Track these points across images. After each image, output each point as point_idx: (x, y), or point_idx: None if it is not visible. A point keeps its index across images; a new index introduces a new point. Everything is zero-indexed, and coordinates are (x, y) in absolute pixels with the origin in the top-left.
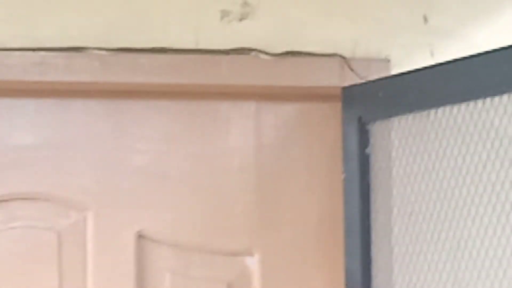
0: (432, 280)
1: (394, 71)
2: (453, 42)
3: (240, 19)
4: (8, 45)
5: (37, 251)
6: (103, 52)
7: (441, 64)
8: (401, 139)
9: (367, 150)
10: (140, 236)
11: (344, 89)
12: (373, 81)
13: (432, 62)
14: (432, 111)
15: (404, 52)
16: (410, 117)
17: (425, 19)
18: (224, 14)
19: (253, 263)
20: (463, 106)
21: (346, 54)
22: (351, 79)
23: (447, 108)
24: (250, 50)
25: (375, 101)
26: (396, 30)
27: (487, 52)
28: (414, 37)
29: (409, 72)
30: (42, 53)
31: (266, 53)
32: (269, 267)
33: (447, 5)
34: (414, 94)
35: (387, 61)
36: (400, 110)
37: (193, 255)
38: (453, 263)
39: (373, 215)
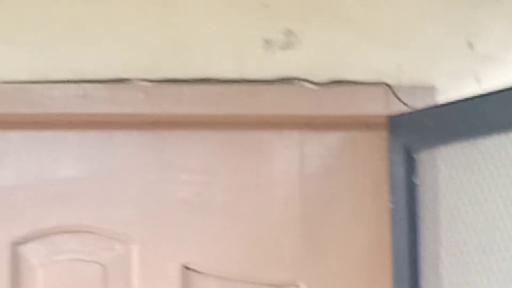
0: None
1: (440, 98)
2: (499, 68)
3: (284, 48)
4: (51, 77)
5: (82, 285)
6: (146, 83)
7: (489, 93)
8: (449, 168)
9: (415, 180)
10: (186, 268)
11: (390, 117)
12: (420, 110)
13: (478, 89)
14: (480, 140)
15: (449, 79)
16: (458, 146)
17: (470, 45)
18: (267, 43)
19: None
20: (510, 134)
21: (391, 81)
22: (396, 107)
23: (495, 137)
24: (293, 79)
25: (422, 129)
26: (441, 57)
27: None
28: (459, 63)
29: (457, 101)
30: (85, 85)
31: (310, 82)
32: None
33: (492, 31)
34: (462, 122)
35: (432, 88)
36: (448, 139)
37: (239, 287)
38: None
39: (421, 246)
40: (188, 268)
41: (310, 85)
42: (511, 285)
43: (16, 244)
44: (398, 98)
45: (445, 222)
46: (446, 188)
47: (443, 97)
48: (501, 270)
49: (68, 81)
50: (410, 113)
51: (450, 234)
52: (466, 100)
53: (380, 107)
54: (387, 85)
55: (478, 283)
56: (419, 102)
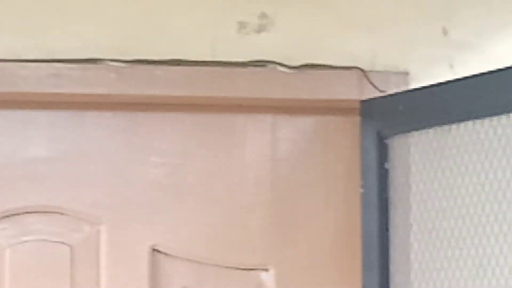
0: None
1: (413, 84)
2: (473, 55)
3: (258, 31)
4: (23, 57)
5: (50, 265)
6: (119, 64)
7: (462, 78)
8: (420, 153)
9: (386, 165)
10: (154, 251)
11: (363, 102)
12: (393, 95)
13: (451, 75)
14: (453, 126)
15: (423, 65)
16: (430, 131)
17: (445, 32)
18: (242, 26)
19: (268, 278)
20: (484, 121)
21: (365, 67)
22: (369, 92)
23: (468, 123)
24: (267, 62)
25: (394, 115)
26: (415, 43)
27: (508, 67)
28: (433, 50)
29: (430, 86)
30: (57, 64)
31: (284, 66)
32: (284, 282)
33: (466, 18)
34: (435, 108)
35: (406, 74)
36: (420, 125)
37: (207, 270)
38: (475, 281)
39: (391, 231)
40: (157, 251)
41: (283, 69)
42: (480, 271)
43: None
44: (372, 83)
45: (416, 208)
46: (418, 174)
47: (416, 83)
48: (470, 256)
49: (40, 61)
50: (383, 98)
51: (421, 219)
52: (439, 85)
53: (353, 92)
54: (361, 70)
55: (447, 269)
56: (393, 88)
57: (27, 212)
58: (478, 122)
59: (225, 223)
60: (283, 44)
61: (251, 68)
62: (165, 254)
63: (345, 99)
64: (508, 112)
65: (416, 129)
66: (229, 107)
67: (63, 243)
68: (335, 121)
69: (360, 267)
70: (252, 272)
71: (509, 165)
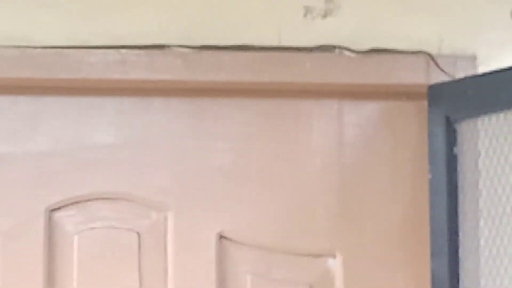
0: None
1: (481, 68)
2: None
3: (324, 16)
4: (89, 43)
5: (117, 252)
6: (185, 50)
7: None
8: (490, 138)
9: (455, 150)
10: (221, 237)
11: (431, 87)
12: (461, 79)
13: None
14: None
15: (490, 48)
16: (499, 116)
17: None
18: (308, 10)
19: (335, 265)
20: None
21: (432, 51)
22: (437, 77)
23: None
24: (333, 47)
25: (463, 99)
26: (482, 27)
27: None
28: (501, 33)
29: (499, 70)
30: (124, 51)
31: (350, 51)
32: (351, 269)
33: None
34: (503, 92)
35: (473, 58)
36: (489, 109)
37: (274, 257)
38: None
39: (460, 217)
40: (223, 237)
41: (349, 54)
42: None
43: (52, 210)
44: (439, 67)
45: (485, 193)
46: (487, 159)
47: (484, 67)
48: None
49: (107, 47)
50: (450, 83)
51: (490, 204)
52: (508, 69)
53: (421, 76)
54: (428, 54)
55: None
56: (460, 72)
57: (94, 199)
58: None
59: (291, 209)
60: (349, 28)
61: (317, 53)
62: (232, 240)
63: (412, 83)
64: None
65: (485, 114)
66: (295, 92)
67: (130, 229)
68: (402, 106)
69: (428, 254)
70: (319, 258)
71: None
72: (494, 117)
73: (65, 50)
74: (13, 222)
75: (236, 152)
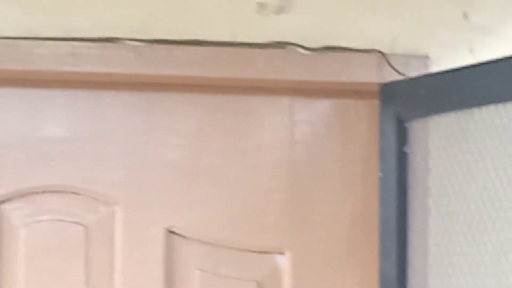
0: (471, 283)
1: (433, 68)
2: (493, 40)
3: (277, 12)
4: (41, 35)
5: (64, 245)
6: (138, 43)
7: (483, 62)
8: (440, 137)
9: (405, 149)
10: (170, 232)
11: (383, 86)
12: (413, 79)
13: (472, 60)
14: (473, 110)
15: (443, 49)
16: (450, 115)
17: (465, 16)
18: (261, 6)
19: (284, 262)
20: (505, 105)
21: (385, 50)
22: (389, 76)
23: (489, 107)
24: (286, 44)
25: (414, 99)
26: (435, 27)
27: None
28: (454, 34)
29: (451, 70)
30: (76, 43)
31: (303, 48)
32: (300, 266)
33: (487, 2)
34: (455, 92)
35: (426, 57)
36: (440, 109)
37: (223, 253)
38: (495, 266)
39: (410, 215)
40: (172, 232)
41: (302, 51)
42: (501, 256)
43: None
44: (392, 66)
45: (435, 192)
46: (438, 158)
47: (436, 67)
48: (491, 240)
49: (58, 39)
50: (402, 82)
51: (440, 204)
52: (460, 69)
53: (373, 75)
54: (381, 53)
55: (467, 254)
56: (413, 71)
57: (43, 192)
58: (499, 106)
59: (241, 206)
60: (302, 25)
61: (270, 50)
62: (181, 236)
63: (364, 82)
64: None
65: (436, 113)
66: (247, 88)
67: (78, 223)
68: (354, 104)
69: (377, 252)
70: (267, 255)
71: None
72: (445, 117)
73: (16, 41)
74: None
75: (187, 148)
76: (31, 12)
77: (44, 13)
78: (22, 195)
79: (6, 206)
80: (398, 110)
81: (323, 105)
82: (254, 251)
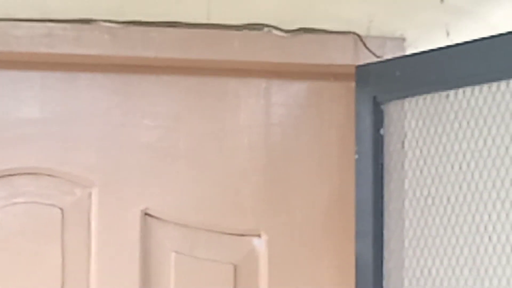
0: (446, 264)
1: (409, 50)
2: (469, 22)
3: None
4: (16, 16)
5: (40, 227)
6: (113, 25)
7: (459, 44)
8: (416, 120)
9: (381, 131)
10: (146, 215)
11: (359, 67)
12: (389, 60)
13: (448, 42)
14: (449, 92)
15: (419, 31)
16: (426, 97)
17: None
18: None
19: (260, 244)
20: (481, 87)
21: (361, 32)
22: (365, 58)
23: (464, 89)
24: (262, 25)
25: (390, 80)
26: (411, 9)
27: (505, 34)
28: (430, 16)
29: (426, 52)
30: (51, 24)
31: (279, 29)
32: (276, 248)
33: None
34: (431, 74)
35: (402, 39)
36: (416, 91)
37: (199, 235)
38: (471, 247)
39: (386, 197)
40: (148, 214)
41: (278, 32)
42: (477, 237)
43: None
44: (367, 48)
45: (411, 174)
46: (413, 139)
47: (412, 49)
48: (466, 221)
49: (33, 20)
50: (378, 63)
51: (416, 185)
52: (436, 51)
53: (349, 57)
54: (357, 34)
55: (442, 235)
56: (389, 53)
57: (18, 174)
58: (475, 88)
59: (217, 188)
60: (278, 7)
61: (245, 31)
62: (157, 218)
63: (340, 64)
64: (505, 78)
65: (412, 95)
66: (223, 70)
67: (54, 205)
68: (330, 86)
69: (353, 234)
70: (244, 237)
71: (506, 131)
72: (420, 99)
73: None
74: None
75: (163, 130)
76: None
77: None
78: None
79: None
80: (374, 92)
81: (299, 87)
82: (231, 234)
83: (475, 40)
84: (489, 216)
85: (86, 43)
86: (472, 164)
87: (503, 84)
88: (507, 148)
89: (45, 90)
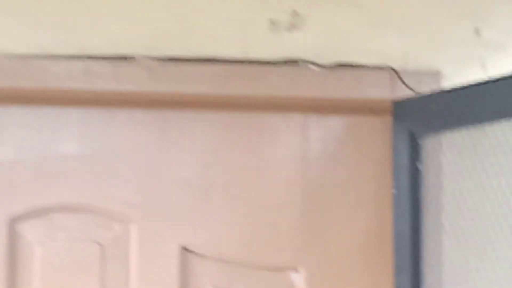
0: None
1: (445, 84)
2: (505, 55)
3: (289, 29)
4: (54, 53)
5: (79, 264)
6: (151, 61)
7: (495, 79)
8: (453, 153)
9: (418, 165)
10: (184, 250)
11: (396, 102)
12: (426, 95)
13: (483, 75)
14: (486, 126)
15: (455, 65)
16: (463, 131)
17: (477, 32)
18: (273, 23)
19: (298, 279)
20: None
21: (397, 66)
22: (401, 92)
23: (501, 123)
24: (298, 61)
25: (427, 115)
26: (447, 43)
27: None
28: (465, 50)
29: (463, 87)
30: (89, 61)
31: (315, 65)
32: (314, 283)
33: (499, 18)
34: (468, 108)
35: (438, 74)
36: (453, 125)
37: (237, 270)
38: (509, 283)
39: (424, 233)
40: (187, 250)
41: (315, 68)
42: None
43: (14, 221)
44: (404, 83)
45: (449, 209)
46: (451, 174)
47: (448, 83)
48: (505, 257)
49: (71, 57)
50: (415, 98)
51: (453, 220)
52: (472, 86)
53: (385, 91)
54: (393, 69)
55: (481, 270)
56: (425, 88)
57: (58, 210)
58: (511, 121)
59: (255, 223)
60: (314, 42)
61: (282, 67)
62: (195, 253)
63: (376, 98)
64: None
65: (449, 129)
66: (259, 105)
67: (93, 241)
68: (367, 121)
69: (391, 268)
70: (282, 272)
71: None
72: (457, 133)
73: (29, 59)
74: None
75: (200, 165)
76: (45, 29)
77: (57, 31)
78: (37, 213)
79: (22, 224)
80: (411, 127)
81: (336, 122)
82: (268, 268)
83: (510, 75)
84: None
85: (124, 80)
86: (510, 198)
87: None
88: None
89: (83, 126)
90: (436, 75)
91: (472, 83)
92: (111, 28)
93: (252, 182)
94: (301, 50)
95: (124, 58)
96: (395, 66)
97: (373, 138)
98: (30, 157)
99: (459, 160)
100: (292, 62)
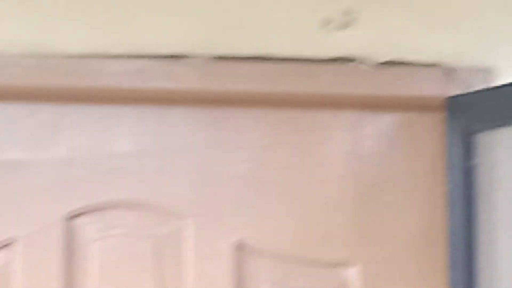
0: None
1: (498, 81)
2: None
3: (341, 28)
4: (109, 52)
5: (134, 260)
6: (203, 60)
7: None
8: (508, 150)
9: (472, 162)
10: (239, 246)
11: (449, 99)
12: (479, 91)
13: None
14: None
15: (508, 61)
16: None
17: None
18: (325, 22)
19: (353, 274)
20: None
21: (449, 63)
22: (454, 89)
23: None
24: (351, 59)
25: (480, 111)
26: (500, 39)
27: None
28: None
29: None
30: (143, 60)
31: (367, 63)
32: (369, 279)
33: None
34: None
35: (491, 70)
36: (507, 121)
37: (292, 266)
38: None
39: (477, 228)
40: (242, 245)
41: (366, 66)
42: None
43: (70, 218)
44: (456, 80)
45: (503, 205)
46: (505, 170)
47: (501, 79)
48: None
49: (126, 56)
50: (468, 94)
51: (508, 217)
52: None
53: (438, 88)
54: (445, 66)
55: None
56: (477, 84)
57: (113, 207)
58: None
59: (310, 219)
60: (366, 40)
61: (334, 65)
62: (250, 249)
63: (429, 96)
64: None
65: (503, 125)
66: (312, 103)
67: (148, 237)
68: (420, 118)
69: (445, 264)
70: (337, 268)
71: None
72: (511, 129)
73: (85, 59)
74: (33, 229)
75: (253, 162)
76: (99, 30)
77: (112, 31)
78: (93, 210)
79: (78, 221)
80: (464, 123)
81: (389, 119)
82: (324, 264)
83: None
84: None
85: (177, 78)
86: None
87: None
88: None
89: (138, 124)
90: (488, 71)
91: None
92: (165, 28)
93: (305, 179)
94: (353, 48)
95: (177, 57)
96: (447, 63)
97: (426, 135)
98: (86, 155)
99: None
100: (344, 60)
